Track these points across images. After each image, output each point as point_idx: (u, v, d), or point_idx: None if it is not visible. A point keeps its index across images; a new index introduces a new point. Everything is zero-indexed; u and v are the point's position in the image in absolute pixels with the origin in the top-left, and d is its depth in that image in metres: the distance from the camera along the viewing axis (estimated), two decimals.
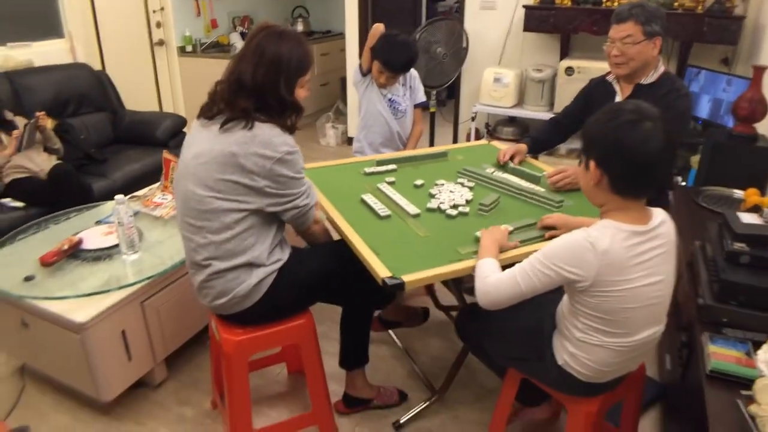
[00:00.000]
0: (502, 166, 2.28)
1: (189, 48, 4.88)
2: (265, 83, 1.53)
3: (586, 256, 1.25)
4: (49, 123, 3.15)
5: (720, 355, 1.41)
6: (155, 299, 2.04)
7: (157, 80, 4.89)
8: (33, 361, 2.18)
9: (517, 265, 1.37)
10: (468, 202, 1.94)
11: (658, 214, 1.34)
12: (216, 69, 4.72)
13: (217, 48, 5.02)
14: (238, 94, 1.53)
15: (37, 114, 3.05)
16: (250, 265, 1.60)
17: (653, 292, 1.31)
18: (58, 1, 3.96)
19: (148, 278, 1.97)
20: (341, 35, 5.54)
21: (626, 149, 1.23)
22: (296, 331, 1.74)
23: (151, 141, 3.70)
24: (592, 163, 1.29)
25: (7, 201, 2.88)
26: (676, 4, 3.52)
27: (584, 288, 1.28)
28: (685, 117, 2.10)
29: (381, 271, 1.50)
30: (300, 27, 5.95)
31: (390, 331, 2.45)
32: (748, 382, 1.29)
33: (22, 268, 2.03)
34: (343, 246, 1.74)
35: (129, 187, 3.24)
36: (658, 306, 1.35)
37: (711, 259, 1.73)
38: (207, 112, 1.60)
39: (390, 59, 2.46)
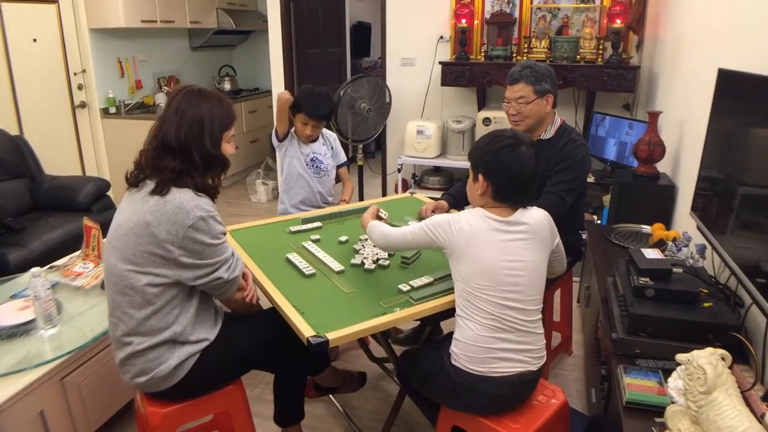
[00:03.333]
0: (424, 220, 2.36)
1: (113, 110, 4.82)
2: (189, 141, 1.53)
3: (451, 226, 1.61)
4: None
5: (635, 386, 1.50)
6: (76, 374, 1.96)
7: (79, 143, 4.78)
8: None
9: (411, 226, 1.75)
10: (390, 256, 2.01)
11: (529, 214, 1.64)
12: (141, 130, 4.71)
13: (142, 109, 4.99)
14: (163, 156, 1.53)
15: None
16: (173, 342, 1.57)
17: (508, 269, 1.56)
18: None
19: (68, 353, 1.90)
20: (269, 92, 5.63)
21: (507, 167, 1.58)
22: (225, 399, 1.72)
23: (73, 206, 3.59)
24: (480, 177, 1.62)
25: None
26: (578, 57, 3.82)
27: (449, 254, 1.63)
28: (583, 163, 2.28)
29: (305, 330, 1.52)
30: (228, 85, 6.01)
31: (330, 396, 2.43)
32: (661, 410, 1.39)
33: None
34: (272, 316, 1.73)
35: (49, 255, 3.12)
36: (516, 286, 1.56)
37: (621, 294, 1.85)
38: (132, 180, 1.59)
39: (314, 108, 2.64)
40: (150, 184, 1.53)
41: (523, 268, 1.57)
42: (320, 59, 5.32)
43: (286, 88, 4.87)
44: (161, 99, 5.06)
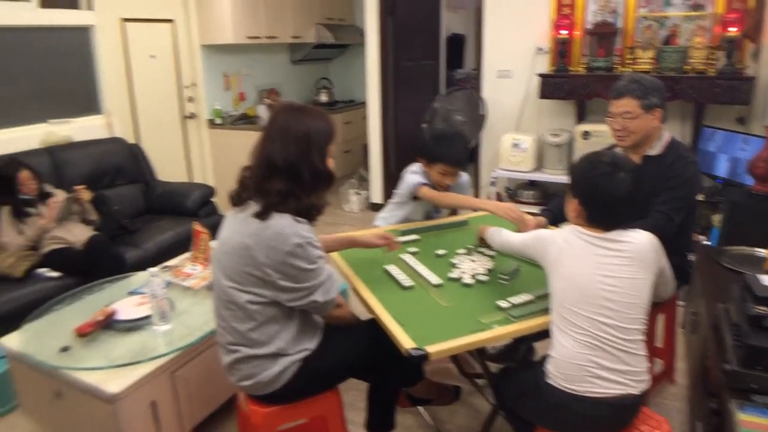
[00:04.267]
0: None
1: (218, 120, 5.11)
2: (298, 159, 1.54)
3: (544, 239, 1.67)
4: (86, 196, 3.31)
5: (751, 423, 1.40)
6: (185, 369, 2.09)
7: (187, 152, 5.10)
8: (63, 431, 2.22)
9: (520, 234, 1.90)
10: (489, 271, 1.98)
11: (629, 232, 1.59)
12: (244, 139, 4.96)
13: (245, 120, 5.25)
14: (270, 177, 1.54)
15: (76, 188, 3.21)
16: (275, 355, 1.62)
17: (602, 284, 1.52)
18: (98, 80, 4.22)
19: (179, 349, 2.03)
20: (363, 104, 5.75)
21: (601, 195, 1.57)
22: (323, 404, 1.77)
23: (181, 211, 3.85)
24: (575, 201, 1.62)
25: (44, 271, 2.99)
26: (687, 67, 3.62)
27: (544, 266, 1.66)
28: (693, 181, 2.15)
29: (406, 342, 1.53)
30: (324, 97, 6.20)
31: (419, 408, 2.43)
32: None
33: (58, 338, 2.10)
34: (371, 328, 1.76)
35: (160, 256, 3.35)
36: (611, 302, 1.51)
37: (735, 323, 1.73)
38: (236, 200, 1.63)
39: (453, 154, 2.40)
40: (253, 206, 1.56)
41: (619, 285, 1.53)
42: (415, 71, 5.37)
43: (381, 100, 4.97)
44: (262, 111, 5.29)
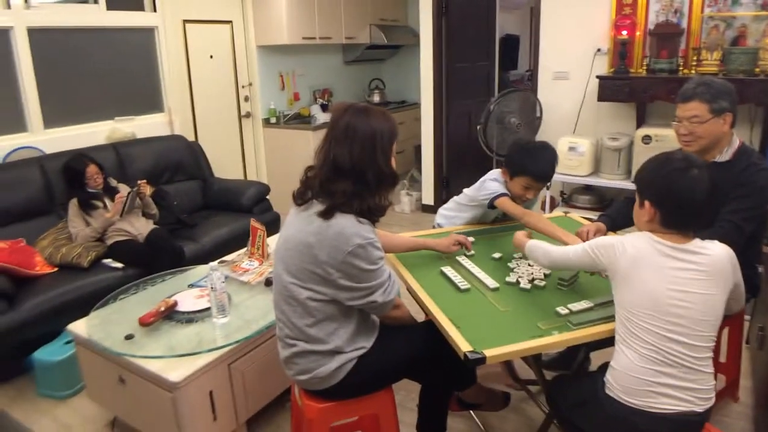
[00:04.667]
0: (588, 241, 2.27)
1: (273, 120, 5.21)
2: (363, 161, 1.55)
3: (615, 248, 1.54)
4: (148, 190, 3.43)
5: None
6: (241, 362, 2.14)
7: (243, 150, 5.22)
8: (124, 416, 2.30)
9: (573, 246, 1.73)
10: (546, 276, 1.95)
11: (707, 243, 1.52)
12: (297, 139, 5.02)
13: (299, 119, 5.33)
14: (335, 178, 1.56)
15: (139, 182, 3.34)
16: (332, 352, 1.64)
17: (674, 299, 1.45)
18: (161, 80, 4.37)
19: (237, 342, 2.08)
20: (415, 105, 5.77)
21: (677, 193, 1.48)
22: (376, 403, 1.78)
23: (237, 207, 3.95)
24: (647, 203, 1.53)
25: (109, 261, 3.12)
26: (757, 69, 3.47)
27: (611, 277, 1.56)
28: (765, 191, 2.05)
29: (462, 345, 1.52)
30: (377, 98, 6.24)
31: (471, 411, 2.41)
32: None
33: (122, 327, 2.19)
34: (427, 330, 1.76)
35: (216, 250, 3.45)
36: (681, 318, 1.45)
37: None
38: (299, 199, 1.66)
39: (543, 169, 2.30)
40: (317, 205, 1.58)
41: (690, 300, 1.45)
42: (469, 73, 5.33)
43: (435, 102, 4.96)
44: (316, 110, 5.37)
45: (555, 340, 1.57)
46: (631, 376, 1.48)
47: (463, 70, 5.24)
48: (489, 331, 1.61)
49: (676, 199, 1.48)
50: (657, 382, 1.46)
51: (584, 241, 2.26)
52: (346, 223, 1.54)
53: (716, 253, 1.51)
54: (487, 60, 5.73)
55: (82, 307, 2.59)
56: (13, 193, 3.21)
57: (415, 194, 5.35)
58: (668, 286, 1.45)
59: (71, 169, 3.31)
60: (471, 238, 2.30)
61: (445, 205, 2.69)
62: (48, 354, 2.61)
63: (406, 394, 2.46)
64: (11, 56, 3.46)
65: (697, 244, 1.50)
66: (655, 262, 1.48)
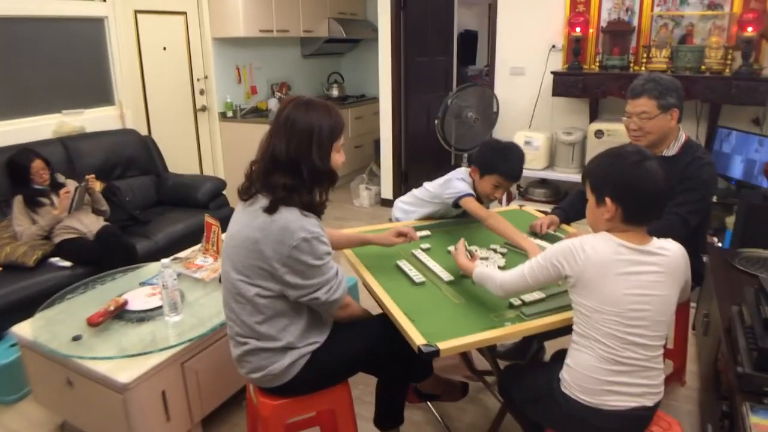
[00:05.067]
0: (535, 234, 2.31)
1: (230, 113, 5.12)
2: (298, 154, 1.52)
3: (575, 255, 1.47)
4: (97, 186, 3.32)
5: (763, 426, 1.39)
6: (195, 360, 2.10)
7: (199, 144, 5.12)
8: (74, 420, 2.23)
9: (524, 264, 1.62)
10: (501, 269, 1.97)
11: (664, 243, 1.51)
12: (255, 133, 4.96)
13: (256, 113, 5.26)
14: (273, 171, 1.54)
15: (87, 177, 3.23)
16: (284, 349, 1.62)
17: (636, 303, 1.44)
18: (111, 71, 4.24)
19: (190, 340, 2.03)
20: (375, 99, 5.75)
21: (638, 186, 1.45)
22: (332, 398, 1.77)
23: (192, 203, 3.86)
24: (608, 200, 1.48)
25: (56, 260, 3.01)
26: (703, 67, 3.59)
27: (573, 284, 1.50)
28: (710, 184, 2.12)
29: (416, 338, 1.52)
30: (335, 92, 6.20)
31: (428, 403, 2.43)
32: None
33: (70, 327, 2.12)
34: (381, 323, 1.75)
35: (171, 247, 3.37)
36: (641, 320, 1.45)
37: (749, 326, 1.71)
38: (244, 194, 1.62)
39: (513, 169, 2.30)
40: (262, 200, 1.55)
41: (652, 303, 1.46)
42: (428, 67, 5.35)
43: (393, 96, 4.96)
44: (273, 104, 5.30)
45: (508, 331, 1.59)
46: (588, 376, 1.49)
47: (422, 64, 5.26)
48: (443, 324, 1.62)
49: (639, 192, 1.46)
50: (612, 381, 1.48)
51: (538, 231, 2.31)
52: (290, 217, 1.52)
53: (674, 253, 1.51)
54: (445, 55, 5.78)
55: (28, 308, 2.49)
56: None
57: (374, 188, 5.35)
58: (631, 291, 1.44)
59: (15, 164, 3.17)
60: (427, 232, 2.31)
61: (402, 198, 2.66)
62: None
63: (364, 388, 2.46)
64: None
65: (655, 244, 1.50)
66: (619, 267, 1.45)
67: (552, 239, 2.25)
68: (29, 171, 3.14)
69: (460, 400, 2.25)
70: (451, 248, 1.98)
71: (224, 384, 2.28)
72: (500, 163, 2.28)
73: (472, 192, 2.33)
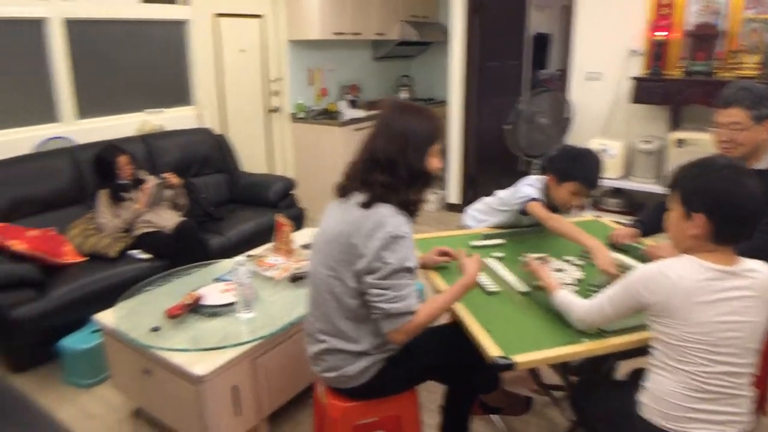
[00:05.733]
0: (613, 246, 2.22)
1: (301, 115, 5.21)
2: (394, 155, 1.56)
3: (659, 283, 1.37)
4: (176, 181, 3.46)
5: None
6: (266, 357, 2.14)
7: (270, 144, 5.24)
8: (148, 407, 2.32)
9: (602, 294, 1.53)
10: (578, 281, 1.91)
11: (752, 264, 1.41)
12: (324, 135, 5.01)
13: (326, 115, 5.32)
14: (372, 170, 1.58)
15: (165, 175, 3.36)
16: (362, 353, 1.63)
17: (724, 330, 1.35)
18: (191, 73, 4.40)
19: (263, 337, 2.07)
20: (443, 102, 5.72)
21: (735, 203, 1.34)
22: (400, 404, 1.77)
23: (263, 202, 3.95)
24: (698, 215, 1.37)
25: (136, 252, 3.15)
26: None
27: (656, 313, 1.40)
28: None
29: (491, 349, 1.49)
30: (405, 95, 6.20)
31: (491, 416, 2.38)
32: None
33: (149, 318, 2.20)
34: (454, 333, 1.73)
35: (241, 244, 3.46)
36: (729, 348, 1.36)
37: None
38: (342, 191, 1.66)
39: (593, 176, 2.22)
40: (358, 196, 1.59)
41: (742, 329, 1.37)
42: (499, 71, 5.28)
43: (464, 100, 4.91)
44: (343, 106, 5.36)
45: (586, 348, 1.53)
46: (669, 402, 1.41)
47: (494, 68, 5.19)
48: (518, 337, 1.58)
49: (736, 210, 1.35)
50: (696, 408, 1.39)
51: (616, 242, 2.22)
52: (385, 212, 1.54)
53: (764, 275, 1.41)
54: (517, 59, 5.67)
55: (109, 296, 2.61)
56: (45, 182, 3.25)
57: (441, 193, 5.31)
58: (721, 318, 1.35)
59: (103, 159, 3.35)
60: (500, 240, 2.27)
61: (473, 206, 2.64)
62: (75, 342, 2.65)
63: (428, 395, 2.43)
64: (45, 47, 3.51)
65: (744, 266, 1.40)
66: (707, 293, 1.35)
67: (630, 251, 2.16)
68: (115, 166, 3.30)
69: (524, 414, 2.19)
70: (525, 258, 1.93)
71: (292, 382, 2.31)
72: (578, 169, 2.21)
73: (538, 197, 2.27)
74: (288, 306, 2.27)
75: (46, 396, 2.62)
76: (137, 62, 4.04)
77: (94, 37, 3.75)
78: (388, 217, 1.53)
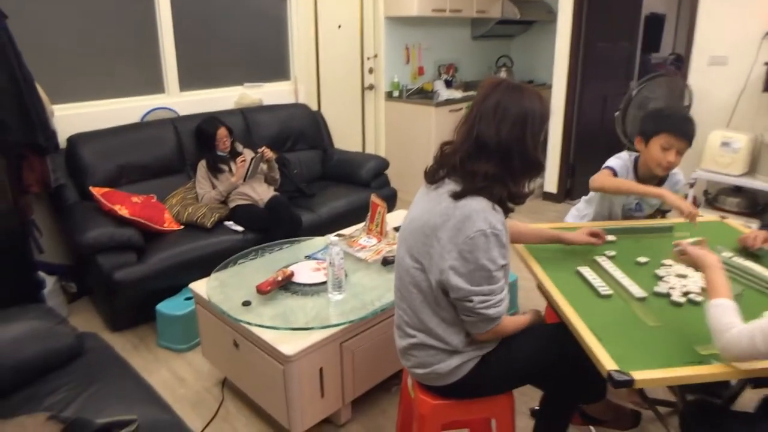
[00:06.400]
0: (745, 252, 1.97)
1: (395, 93, 5.11)
2: (510, 141, 1.41)
3: None
4: (271, 154, 3.47)
5: None
6: (353, 341, 2.08)
7: (363, 122, 5.19)
8: (235, 379, 2.34)
9: (754, 323, 1.22)
10: (704, 290, 1.69)
11: None
12: (419, 115, 4.88)
13: (421, 94, 5.20)
14: (477, 157, 1.43)
15: (261, 149, 3.38)
16: (454, 350, 1.52)
17: None
18: (289, 47, 4.41)
19: (351, 321, 2.02)
20: (543, 86, 5.43)
21: None
22: (494, 407, 1.65)
23: (355, 180, 3.91)
24: None
25: (230, 224, 3.20)
26: None
27: None
28: None
29: (607, 362, 1.33)
30: (503, 76, 5.95)
31: (591, 427, 2.21)
32: None
33: (240, 292, 2.20)
34: (559, 334, 1.58)
35: (332, 222, 3.44)
36: None
37: None
38: (431, 177, 1.54)
39: (682, 124, 2.09)
40: (449, 185, 1.46)
41: None
42: (608, 53, 4.91)
43: (569, 83, 4.62)
44: (439, 86, 5.20)
45: (716, 370, 1.33)
46: None
47: (603, 50, 4.83)
48: (636, 348, 1.41)
49: None
50: None
51: (748, 246, 1.95)
52: (476, 206, 1.40)
53: None
54: (629, 40, 5.26)
55: (204, 265, 2.67)
56: (149, 151, 3.36)
57: (538, 180, 5.06)
58: None
59: (204, 131, 3.41)
60: (611, 237, 2.07)
61: (576, 205, 2.55)
62: (169, 308, 2.72)
63: (519, 397, 2.29)
64: (155, 19, 3.60)
65: None
66: None
67: (765, 258, 1.90)
68: (214, 138, 3.35)
69: (630, 430, 2.01)
70: (680, 244, 1.58)
71: (377, 368, 2.25)
72: (664, 120, 2.12)
73: (611, 165, 2.23)
74: (378, 290, 2.20)
75: (140, 356, 2.72)
76: (238, 36, 4.08)
77: (198, 10, 3.81)
78: (481, 212, 1.39)
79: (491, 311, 1.45)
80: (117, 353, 1.99)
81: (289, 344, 1.91)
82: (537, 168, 1.48)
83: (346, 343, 2.06)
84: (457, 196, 1.43)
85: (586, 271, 1.79)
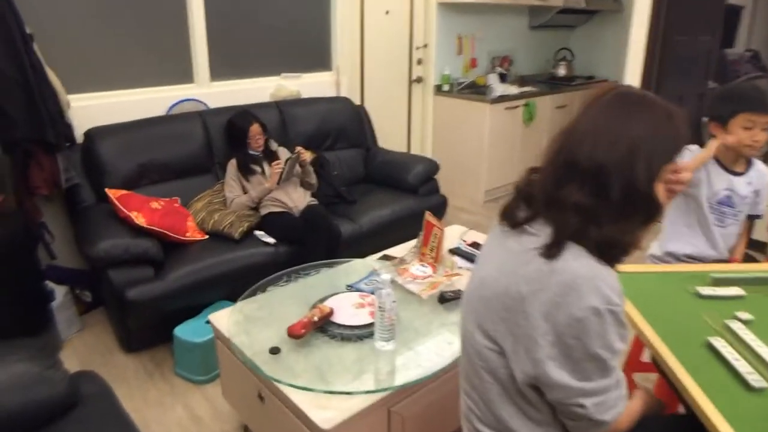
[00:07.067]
0: None
1: (446, 87, 4.67)
2: (608, 162, 0.99)
3: None
4: (308, 156, 3.09)
5: None
6: (403, 405, 1.68)
7: (409, 118, 4.76)
8: (258, 431, 1.97)
9: None
10: None
11: None
12: (471, 111, 4.39)
13: (473, 89, 4.74)
14: (564, 181, 1.02)
15: (297, 149, 3.00)
16: None
17: None
18: (332, 35, 4.00)
19: (405, 385, 1.61)
20: (605, 81, 4.91)
21: None
22: None
23: (401, 185, 3.47)
24: None
25: (261, 234, 2.83)
26: None
27: None
28: None
29: None
30: (562, 70, 5.43)
31: None
32: None
33: (268, 332, 1.83)
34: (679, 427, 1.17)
35: (374, 234, 3.06)
36: None
37: None
38: (510, 215, 1.11)
39: (757, 94, 1.89)
40: (536, 232, 1.04)
41: None
42: (686, 48, 4.37)
43: (643, 80, 4.10)
44: (493, 80, 4.73)
45: None
46: None
47: (682, 45, 4.29)
48: None
49: None
50: None
51: None
52: (583, 270, 0.98)
53: None
54: (710, 34, 4.70)
55: (229, 282, 2.35)
56: (174, 147, 3.01)
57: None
58: None
59: (235, 126, 3.05)
60: (738, 290, 1.61)
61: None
62: (188, 333, 2.37)
63: None
64: (185, 6, 3.24)
65: None
66: None
67: None
68: (247, 135, 2.99)
69: None
70: None
71: None
72: (737, 97, 1.92)
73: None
74: (436, 338, 1.79)
75: (155, 386, 2.39)
76: (276, 20, 3.68)
77: None
78: (590, 279, 0.97)
79: (607, 416, 1.03)
80: (118, 404, 1.65)
81: (325, 411, 1.52)
82: (648, 208, 1.03)
83: (396, 407, 1.66)
84: (550, 254, 1.00)
85: (721, 345, 1.34)
